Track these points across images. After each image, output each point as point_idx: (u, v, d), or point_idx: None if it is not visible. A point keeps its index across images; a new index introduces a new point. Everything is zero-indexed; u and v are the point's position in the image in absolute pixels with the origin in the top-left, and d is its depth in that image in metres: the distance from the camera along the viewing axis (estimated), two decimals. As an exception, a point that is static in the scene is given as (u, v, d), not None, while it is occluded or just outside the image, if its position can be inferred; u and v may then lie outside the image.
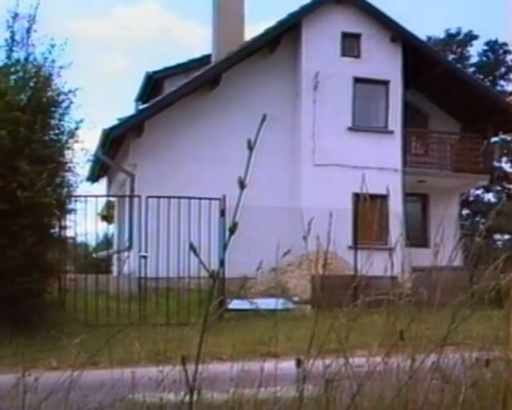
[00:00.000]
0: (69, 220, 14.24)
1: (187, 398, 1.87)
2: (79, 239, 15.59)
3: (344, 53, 21.20)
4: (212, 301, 1.88)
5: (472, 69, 38.32)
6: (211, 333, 1.98)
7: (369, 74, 21.13)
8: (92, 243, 21.52)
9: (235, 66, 20.32)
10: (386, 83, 21.41)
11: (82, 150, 13.88)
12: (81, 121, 13.65)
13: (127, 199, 18.68)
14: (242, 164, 1.70)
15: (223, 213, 14.68)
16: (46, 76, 13.57)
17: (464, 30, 40.01)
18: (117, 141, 19.76)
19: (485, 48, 40.20)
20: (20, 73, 13.52)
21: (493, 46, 39.97)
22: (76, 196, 14.22)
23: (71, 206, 14.13)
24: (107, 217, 27.69)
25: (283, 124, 19.82)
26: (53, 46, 13.57)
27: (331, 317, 2.68)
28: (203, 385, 2.54)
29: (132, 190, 18.68)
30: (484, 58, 40.23)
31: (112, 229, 26.47)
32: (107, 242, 25.20)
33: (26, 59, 13.71)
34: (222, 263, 9.89)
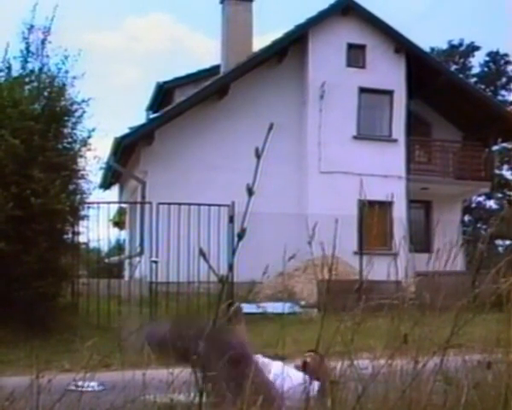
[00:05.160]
0: (82, 226, 14.29)
1: (196, 399, 2.02)
2: (92, 245, 15.63)
3: (349, 63, 21.31)
4: (221, 305, 1.97)
5: (474, 79, 38.29)
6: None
7: (374, 84, 21.23)
8: (104, 248, 21.59)
9: (244, 76, 20.45)
10: (390, 93, 21.54)
11: (94, 158, 13.90)
12: (93, 130, 13.69)
13: (138, 205, 18.72)
14: (250, 171, 1.73)
15: (231, 219, 14.74)
16: (60, 86, 13.65)
17: (466, 41, 40.14)
18: (128, 149, 19.92)
19: (487, 59, 40.25)
20: (35, 84, 13.62)
21: (494, 57, 39.98)
22: (89, 203, 14.23)
23: (84, 212, 14.16)
24: (118, 223, 27.63)
25: (290, 132, 19.85)
26: (67, 57, 13.66)
27: (337, 320, 2.70)
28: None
29: (143, 196, 18.67)
30: (485, 69, 40.23)
31: (123, 235, 26.47)
32: (118, 247, 25.18)
33: (41, 69, 13.75)
34: (230, 268, 10.21)
